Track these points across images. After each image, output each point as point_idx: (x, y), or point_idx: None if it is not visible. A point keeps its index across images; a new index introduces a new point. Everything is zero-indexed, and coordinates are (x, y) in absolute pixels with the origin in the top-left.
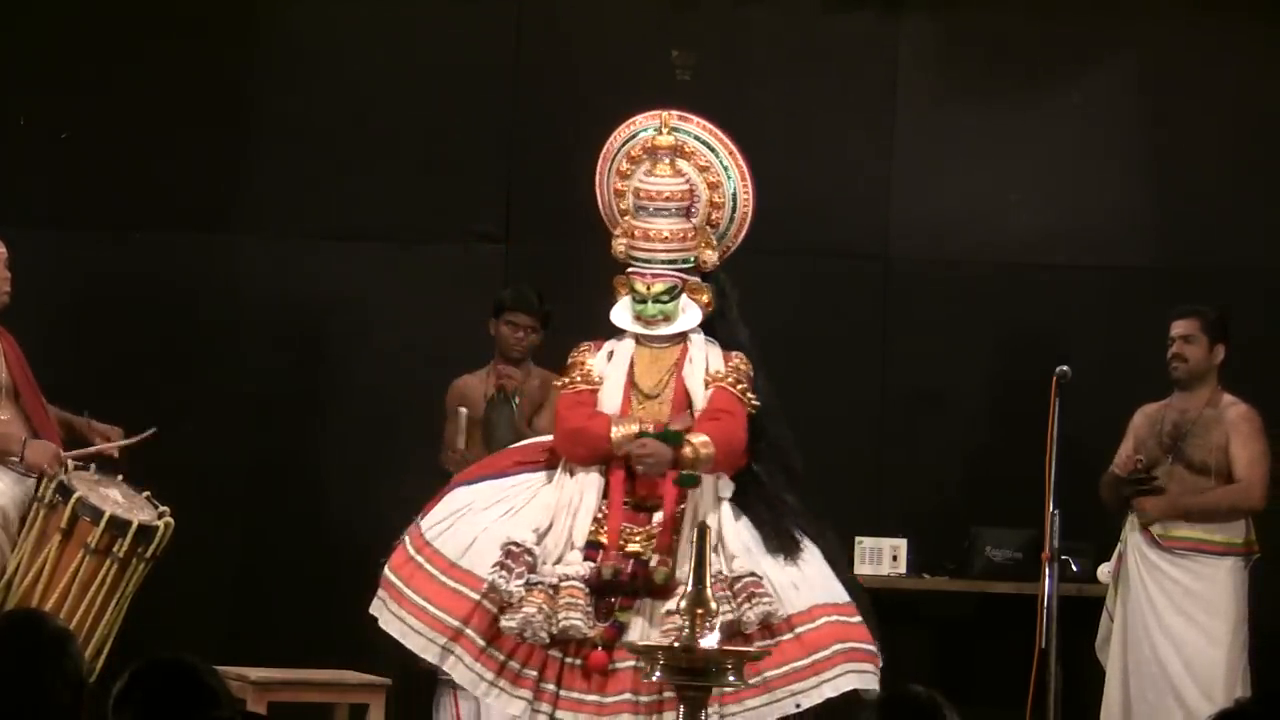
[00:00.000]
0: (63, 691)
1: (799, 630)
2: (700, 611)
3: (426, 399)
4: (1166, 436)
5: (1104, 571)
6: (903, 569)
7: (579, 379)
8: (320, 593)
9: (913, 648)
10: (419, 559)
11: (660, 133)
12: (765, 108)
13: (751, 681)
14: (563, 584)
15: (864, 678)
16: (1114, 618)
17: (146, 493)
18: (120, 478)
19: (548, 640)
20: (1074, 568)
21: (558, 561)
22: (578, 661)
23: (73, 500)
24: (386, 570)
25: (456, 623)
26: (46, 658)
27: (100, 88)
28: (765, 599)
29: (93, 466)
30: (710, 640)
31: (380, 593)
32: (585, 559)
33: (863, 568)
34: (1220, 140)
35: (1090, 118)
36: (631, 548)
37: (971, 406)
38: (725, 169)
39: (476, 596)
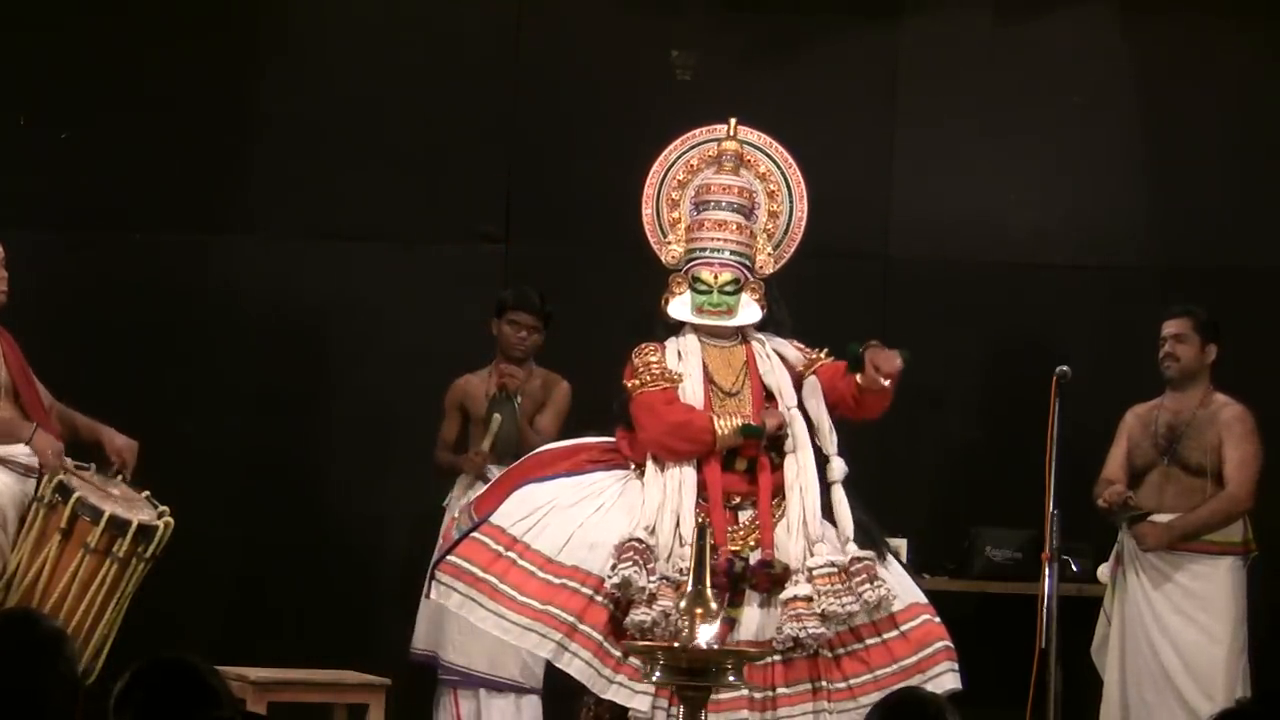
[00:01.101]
0: (58, 692)
1: (904, 627)
2: (700, 611)
3: (426, 398)
4: (1161, 438)
5: (1104, 572)
6: None
7: (659, 376)
8: (320, 593)
9: None
10: (511, 555)
11: (729, 137)
12: (765, 108)
13: (863, 678)
14: (683, 579)
15: (958, 676)
16: (1111, 619)
17: (146, 492)
18: (120, 477)
19: (670, 637)
20: (1074, 568)
21: (667, 559)
22: None
23: (72, 500)
24: (472, 567)
25: (571, 618)
26: (42, 658)
27: (100, 88)
28: (881, 584)
29: (93, 466)
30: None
31: (462, 588)
32: None
33: None
34: (1220, 140)
35: (1090, 118)
36: (730, 546)
37: (971, 406)
38: (785, 180)
39: (589, 592)
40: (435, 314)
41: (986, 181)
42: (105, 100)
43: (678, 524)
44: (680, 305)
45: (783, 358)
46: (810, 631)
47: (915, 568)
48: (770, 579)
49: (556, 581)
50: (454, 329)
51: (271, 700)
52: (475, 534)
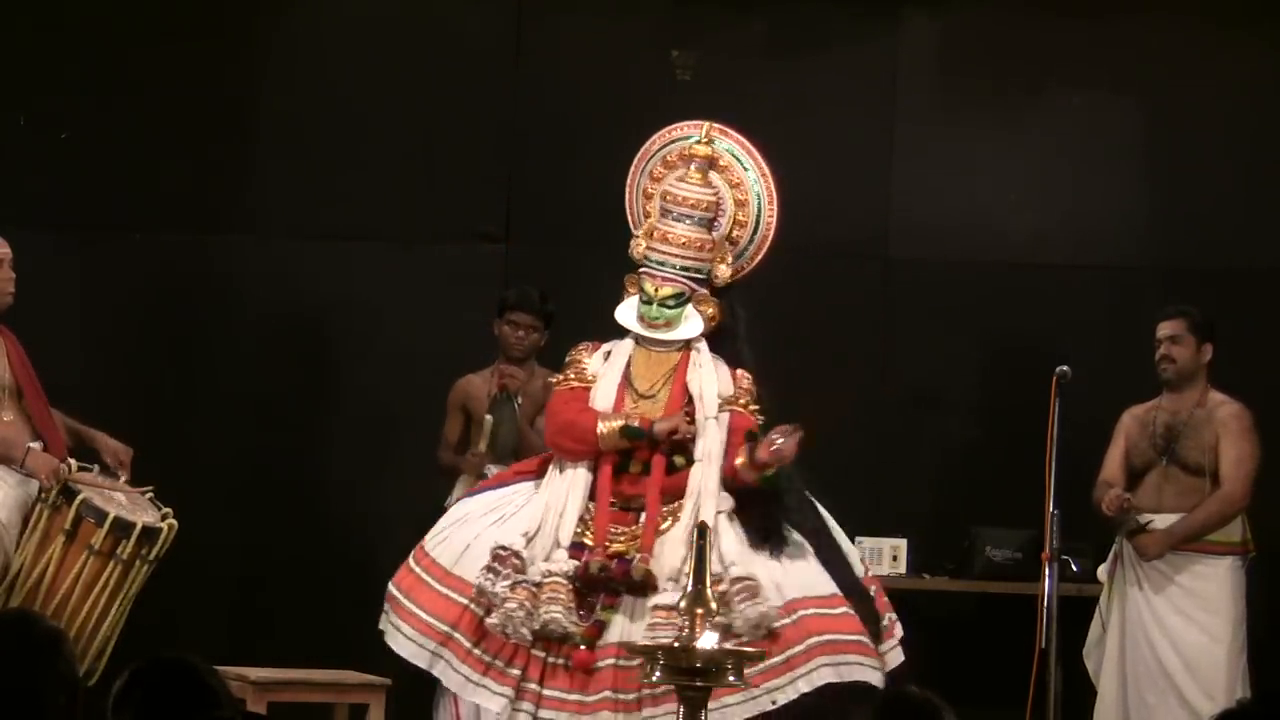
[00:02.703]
0: (58, 692)
1: (777, 625)
2: (700, 611)
3: (427, 399)
4: (1159, 438)
5: (1103, 572)
6: (903, 569)
7: (573, 377)
8: (320, 593)
9: (913, 648)
10: (418, 570)
11: (701, 142)
12: (765, 107)
13: (730, 681)
14: (546, 580)
15: (844, 670)
16: (1107, 619)
17: (150, 494)
18: (123, 479)
19: (530, 637)
20: (1074, 568)
21: (545, 560)
22: (561, 660)
23: (76, 502)
24: (390, 586)
25: (446, 627)
26: (40, 658)
27: (100, 88)
28: (760, 599)
29: (95, 468)
30: (708, 640)
31: (386, 607)
32: (570, 558)
33: None
34: (1220, 140)
35: (1090, 118)
36: (616, 547)
37: (971, 406)
38: (755, 188)
39: (465, 600)
40: (435, 314)
41: (986, 181)
42: (105, 100)
43: (559, 526)
44: (627, 309)
45: (718, 380)
46: (662, 640)
47: (915, 568)
48: (628, 584)
49: (443, 591)
50: (454, 329)
51: (271, 700)
52: (410, 557)
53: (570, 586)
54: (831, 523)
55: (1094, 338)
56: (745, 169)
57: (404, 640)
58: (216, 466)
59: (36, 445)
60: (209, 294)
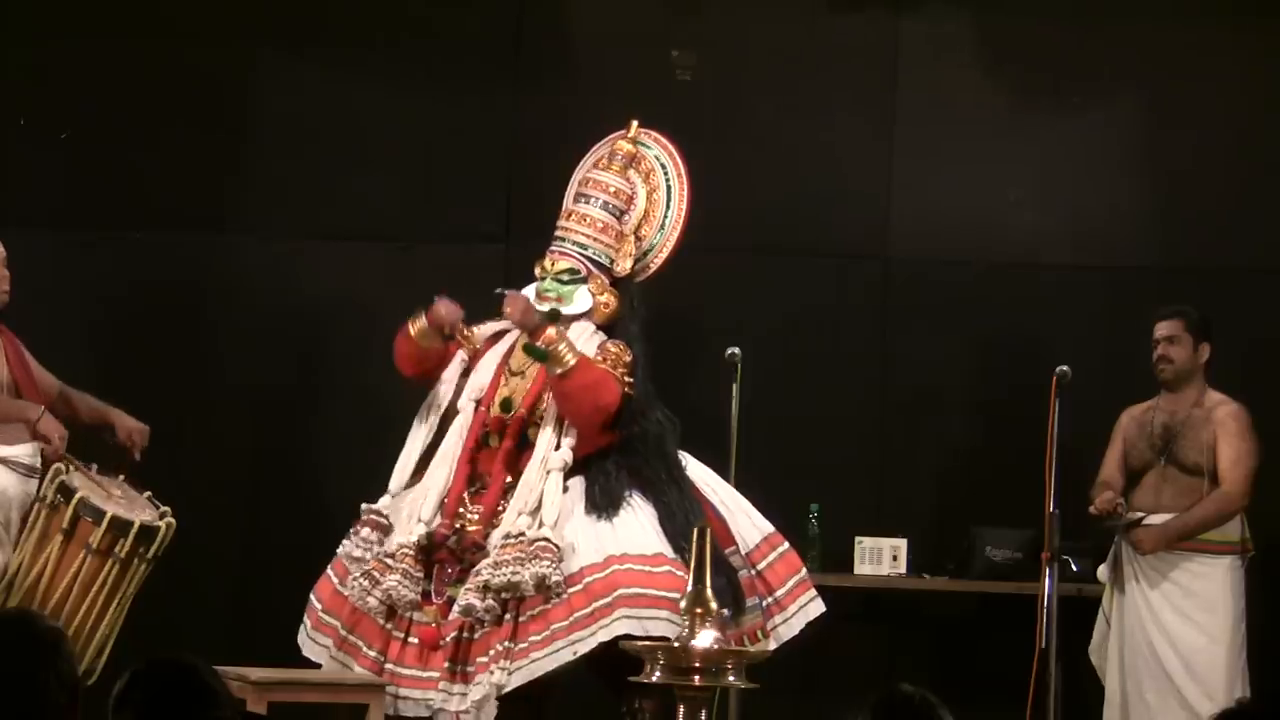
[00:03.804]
0: (58, 691)
1: (587, 580)
2: (699, 611)
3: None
4: (1157, 438)
5: (1103, 572)
6: (903, 569)
7: (459, 337)
8: None
9: (913, 648)
10: (330, 572)
11: (626, 139)
12: (765, 107)
13: (539, 636)
14: (397, 551)
15: (646, 624)
16: (1110, 620)
17: (148, 493)
18: (121, 478)
19: (379, 606)
20: (1074, 568)
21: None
22: (414, 639)
23: (74, 500)
24: (312, 597)
25: (319, 607)
26: (40, 658)
27: (100, 88)
28: (546, 562)
29: (94, 466)
30: (704, 639)
31: (307, 619)
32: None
33: (863, 568)
34: (1220, 140)
35: (1090, 118)
36: (471, 525)
37: (971, 407)
38: (669, 194)
39: (336, 581)
40: None
41: (986, 181)
42: (105, 100)
43: (422, 503)
44: (530, 289)
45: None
46: (462, 605)
47: (915, 568)
48: (456, 556)
49: (324, 574)
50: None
51: (271, 700)
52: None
53: (415, 557)
54: (736, 497)
55: (1094, 338)
56: (664, 172)
57: (305, 637)
58: (216, 466)
59: (38, 443)
60: (209, 294)
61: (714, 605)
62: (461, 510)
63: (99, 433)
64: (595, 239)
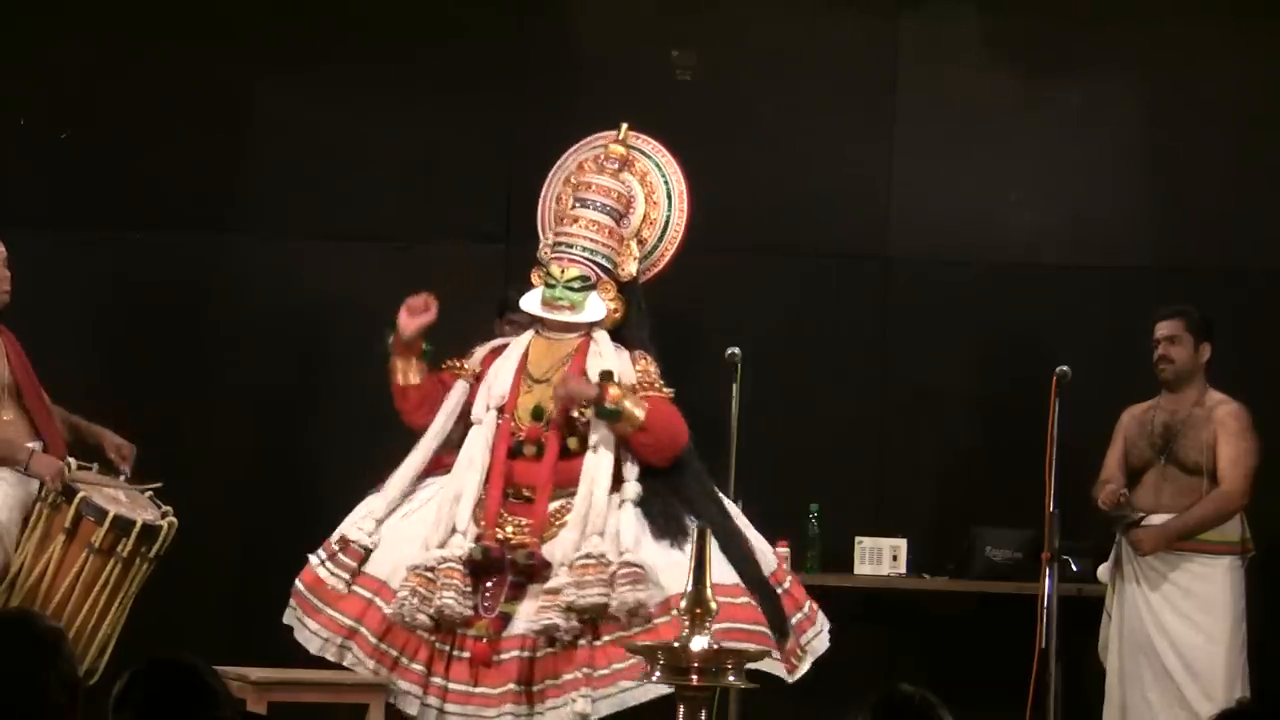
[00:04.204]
0: (58, 691)
1: (658, 622)
2: (699, 611)
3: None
4: (1158, 438)
5: (1103, 572)
6: (903, 569)
7: (456, 366)
8: None
9: (913, 648)
10: (313, 560)
11: (617, 141)
12: (765, 107)
13: (623, 664)
14: (441, 566)
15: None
16: (1112, 620)
17: (149, 493)
18: (123, 477)
19: (428, 623)
20: (1074, 568)
21: (441, 547)
22: (464, 654)
23: (76, 500)
24: (301, 586)
25: (351, 622)
26: (40, 657)
27: (100, 88)
28: (641, 588)
29: (95, 466)
30: (699, 642)
31: (294, 606)
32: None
33: (863, 568)
34: (1220, 140)
35: (1090, 118)
36: (513, 535)
37: (971, 407)
38: (668, 194)
39: (369, 595)
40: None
41: (986, 181)
42: (105, 100)
43: (454, 513)
44: (531, 297)
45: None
46: (544, 624)
47: (915, 568)
48: (515, 569)
49: (350, 591)
50: (453, 329)
51: (271, 700)
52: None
53: (464, 572)
54: (740, 518)
55: (1094, 338)
56: (659, 171)
57: (308, 634)
58: (216, 465)
59: (36, 445)
60: (209, 294)
61: (772, 634)
62: (500, 522)
63: (90, 449)
64: (601, 243)
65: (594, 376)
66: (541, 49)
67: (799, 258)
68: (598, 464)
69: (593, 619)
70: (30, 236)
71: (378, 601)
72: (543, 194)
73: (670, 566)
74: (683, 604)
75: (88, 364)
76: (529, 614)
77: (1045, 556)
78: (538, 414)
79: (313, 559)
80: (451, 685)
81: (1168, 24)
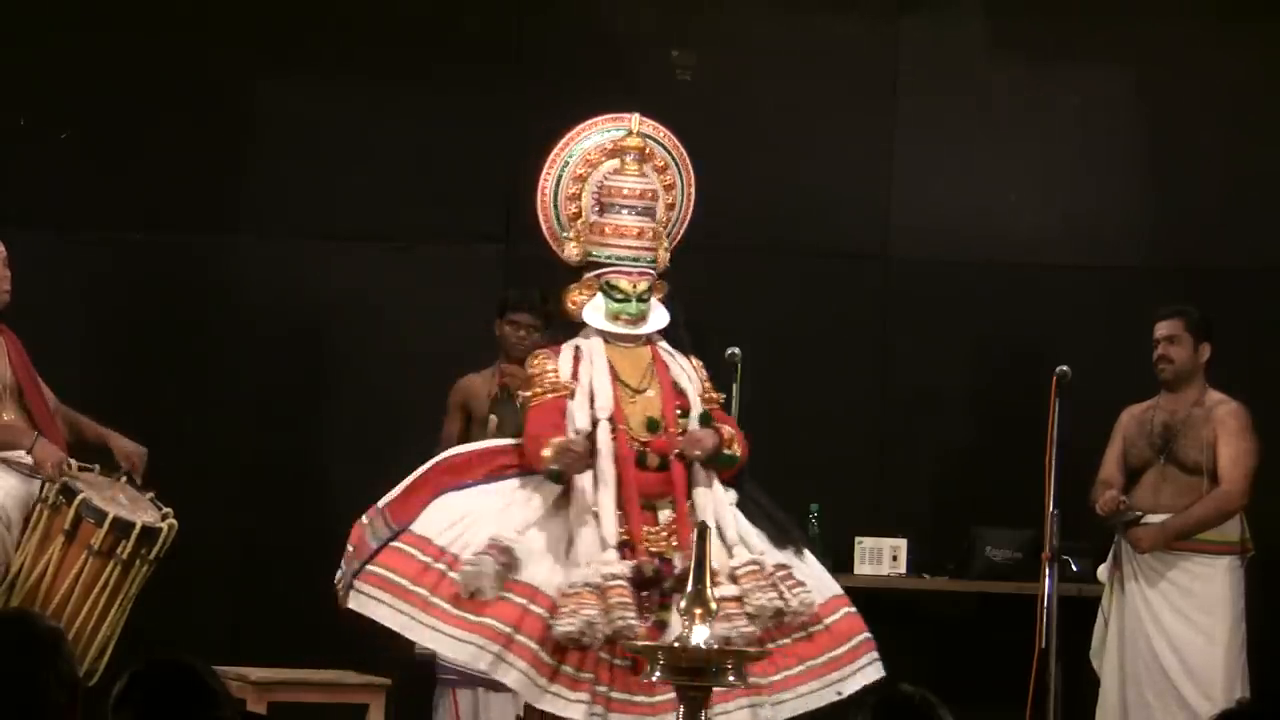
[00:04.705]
0: (58, 691)
1: (827, 621)
2: (700, 611)
3: (426, 398)
4: (1157, 437)
5: (1103, 572)
6: (903, 569)
7: (547, 389)
8: (320, 593)
9: (913, 648)
10: (440, 566)
11: (630, 134)
12: (765, 108)
13: (796, 669)
14: (608, 584)
15: (880, 667)
16: (1109, 620)
17: (150, 494)
18: (124, 479)
19: (603, 642)
20: (1074, 568)
21: (591, 562)
22: (621, 662)
23: (76, 502)
24: (399, 579)
25: (508, 629)
26: (39, 658)
27: (100, 88)
28: (804, 588)
29: (96, 467)
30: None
31: (389, 599)
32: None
33: (863, 568)
34: (1220, 140)
35: (1090, 118)
36: (652, 547)
37: (971, 406)
38: (679, 173)
39: (523, 601)
40: (435, 314)
41: (986, 182)
42: (105, 100)
43: (600, 526)
44: (594, 311)
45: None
46: (741, 631)
47: (915, 568)
48: (680, 582)
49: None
50: (453, 329)
51: (271, 700)
52: (398, 543)
53: (629, 588)
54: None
55: (1094, 338)
56: (669, 154)
57: (455, 643)
58: (216, 466)
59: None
60: (209, 294)
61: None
62: (647, 534)
63: (97, 451)
64: (649, 248)
65: (685, 386)
66: (542, 49)
67: (799, 258)
68: (710, 475)
69: (766, 627)
70: (30, 237)
71: (534, 609)
72: (546, 187)
73: (807, 576)
74: (683, 604)
75: (88, 364)
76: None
77: (1045, 556)
78: (653, 426)
79: (416, 554)
80: (614, 694)
81: (1167, 25)
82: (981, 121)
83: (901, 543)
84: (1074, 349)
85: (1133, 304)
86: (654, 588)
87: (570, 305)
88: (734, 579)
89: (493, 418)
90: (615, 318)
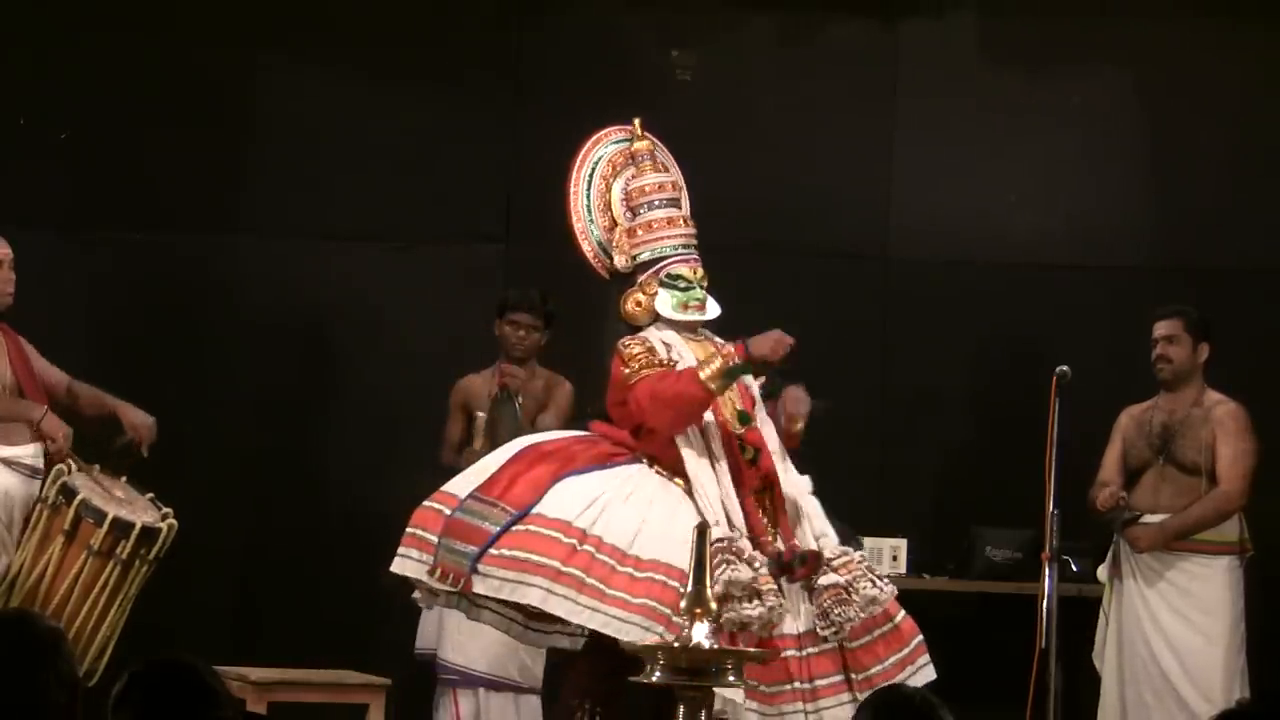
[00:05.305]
0: (58, 691)
1: (896, 619)
2: (699, 611)
3: (426, 398)
4: (1156, 438)
5: (1103, 571)
6: (903, 569)
7: (653, 362)
8: (320, 592)
9: None
10: (587, 548)
11: (636, 138)
12: (765, 108)
13: (876, 668)
14: (759, 573)
15: (932, 669)
16: (1110, 620)
17: (150, 494)
18: (124, 479)
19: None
20: (1074, 568)
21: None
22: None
23: (76, 502)
24: (548, 561)
25: (667, 610)
26: (39, 658)
27: (100, 88)
28: (886, 580)
29: (97, 467)
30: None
31: (541, 582)
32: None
33: None
34: (1220, 140)
35: (1090, 118)
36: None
37: (972, 407)
38: (675, 166)
39: (675, 584)
40: (435, 314)
41: (986, 182)
42: (106, 100)
43: (730, 515)
44: (664, 306)
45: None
46: (854, 615)
47: (915, 568)
48: (816, 567)
49: (641, 575)
50: (453, 329)
51: (271, 700)
52: (532, 527)
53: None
54: None
55: (1094, 338)
56: (667, 153)
57: (617, 623)
58: (217, 466)
59: (38, 445)
60: (209, 294)
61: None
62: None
63: (105, 427)
64: (692, 234)
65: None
66: (542, 49)
67: (799, 258)
68: (786, 465)
69: (862, 617)
70: (30, 237)
71: (677, 585)
72: (578, 211)
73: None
74: (683, 604)
75: (88, 364)
76: (800, 608)
77: (1045, 556)
78: (744, 419)
79: (560, 538)
80: (760, 687)
81: (1166, 25)
82: (981, 122)
83: (901, 543)
84: (1074, 349)
85: (1133, 304)
86: (789, 574)
87: (632, 309)
88: (836, 568)
89: (481, 414)
90: (686, 306)
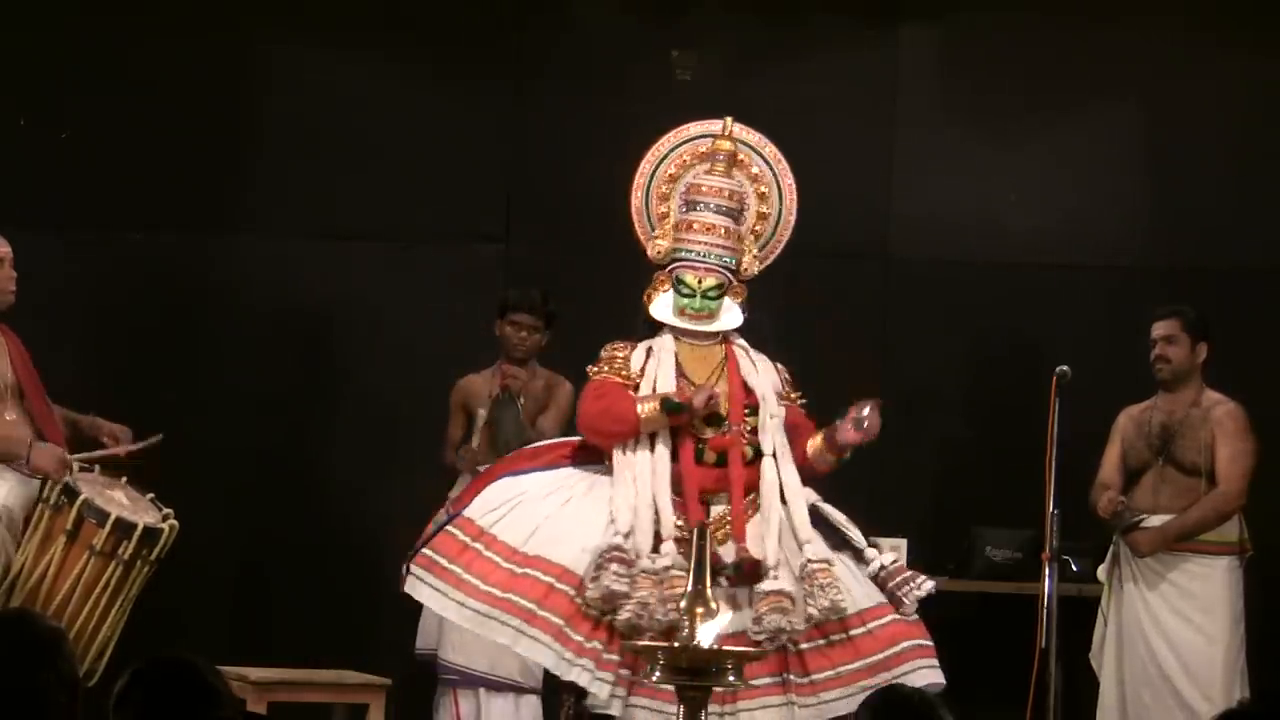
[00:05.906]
0: (58, 691)
1: (871, 625)
2: (700, 611)
3: (426, 398)
4: (1155, 438)
5: (1103, 571)
6: None
7: (609, 370)
8: (321, 593)
9: None
10: (478, 546)
11: (722, 137)
12: (765, 108)
13: (826, 673)
14: (665, 575)
15: (937, 672)
16: (1108, 621)
17: (151, 495)
18: (125, 480)
19: (658, 629)
20: (1074, 568)
21: (654, 554)
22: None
23: (78, 502)
24: (439, 558)
25: (530, 604)
26: (40, 658)
27: (100, 88)
28: (834, 589)
29: (97, 468)
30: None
31: (430, 579)
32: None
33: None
34: (1218, 141)
35: (1089, 119)
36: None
37: (971, 407)
38: (776, 182)
39: (550, 579)
40: (435, 314)
41: (986, 182)
42: (105, 100)
43: (656, 520)
44: (662, 305)
45: (764, 371)
46: (793, 625)
47: (915, 568)
48: (746, 577)
49: (519, 571)
50: (453, 329)
51: (271, 700)
52: (449, 527)
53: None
54: None
55: (1094, 338)
56: (765, 163)
57: (479, 617)
58: (217, 467)
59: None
60: (209, 294)
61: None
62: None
63: (89, 442)
64: (729, 247)
65: (757, 387)
66: (542, 49)
67: (799, 257)
68: (789, 471)
69: (822, 622)
70: (30, 237)
71: (561, 586)
72: (638, 185)
73: (858, 582)
74: (683, 604)
75: (88, 364)
76: (741, 613)
77: (1045, 556)
78: (715, 422)
79: (457, 534)
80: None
81: (1167, 25)
82: (982, 121)
83: (901, 543)
84: (1074, 349)
85: (1133, 304)
86: (729, 580)
87: (646, 301)
88: (804, 576)
89: (481, 412)
90: (680, 312)
